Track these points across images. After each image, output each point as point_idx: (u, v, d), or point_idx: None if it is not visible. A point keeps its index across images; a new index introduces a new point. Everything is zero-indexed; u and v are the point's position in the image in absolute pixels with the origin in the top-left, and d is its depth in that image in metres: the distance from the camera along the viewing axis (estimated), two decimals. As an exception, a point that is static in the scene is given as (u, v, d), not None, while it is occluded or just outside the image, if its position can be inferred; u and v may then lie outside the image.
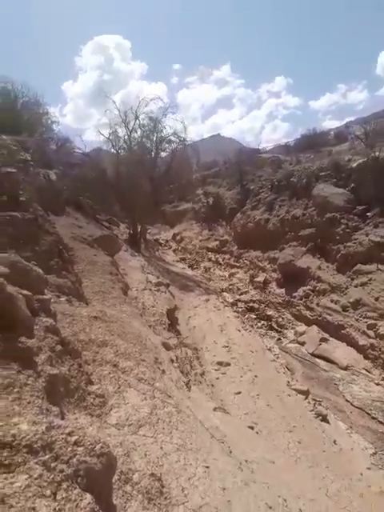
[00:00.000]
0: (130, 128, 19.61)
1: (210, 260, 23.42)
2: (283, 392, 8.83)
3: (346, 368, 10.95)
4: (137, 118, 19.62)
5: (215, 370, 9.24)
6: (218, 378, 8.80)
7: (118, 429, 2.48)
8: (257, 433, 5.78)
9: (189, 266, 22.09)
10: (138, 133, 20.28)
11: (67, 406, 2.18)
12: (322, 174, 16.54)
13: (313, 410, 8.37)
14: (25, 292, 2.21)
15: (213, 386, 8.22)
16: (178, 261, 22.16)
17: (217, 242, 24.45)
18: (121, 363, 3.57)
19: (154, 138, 20.59)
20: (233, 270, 20.39)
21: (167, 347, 6.98)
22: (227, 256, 22.45)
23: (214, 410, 5.46)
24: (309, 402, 8.74)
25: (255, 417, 7.33)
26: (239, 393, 8.26)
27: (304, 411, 8.21)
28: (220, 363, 9.53)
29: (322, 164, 17.16)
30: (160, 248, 24.71)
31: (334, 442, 7.25)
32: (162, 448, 2.47)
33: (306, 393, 9.04)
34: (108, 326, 4.49)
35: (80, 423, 1.83)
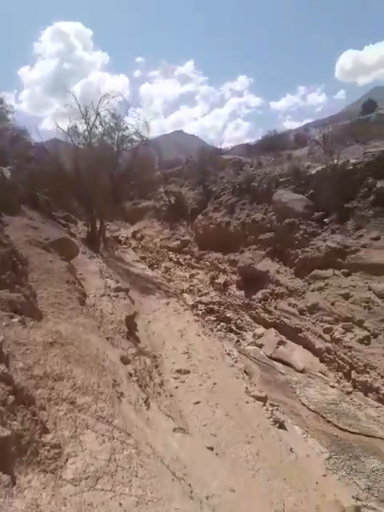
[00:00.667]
0: (91, 124, 18.93)
1: (170, 260, 23.27)
2: (241, 399, 8.88)
3: (302, 371, 11.26)
4: (98, 114, 18.96)
5: (174, 378, 9.13)
6: (177, 387, 8.70)
7: (75, 484, 2.29)
8: (216, 454, 5.70)
9: (149, 266, 21.83)
10: (99, 129, 19.64)
11: (19, 467, 2.08)
12: (282, 179, 16.87)
13: (270, 417, 8.46)
14: None
15: (172, 396, 8.10)
16: (137, 261, 21.80)
17: (178, 242, 24.33)
18: (78, 399, 3.35)
19: (116, 136, 20.05)
20: (193, 271, 20.40)
21: (125, 361, 6.81)
22: (188, 256, 22.42)
23: (174, 431, 5.37)
24: (267, 409, 8.83)
25: (214, 428, 7.31)
26: (198, 402, 8.19)
27: (262, 419, 8.29)
28: (179, 371, 9.43)
29: (282, 169, 17.50)
30: (120, 246, 24.20)
31: (291, 449, 7.37)
32: (120, 504, 2.31)
33: (263, 399, 9.14)
34: (64, 351, 4.23)
35: (31, 499, 1.67)
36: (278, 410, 9.08)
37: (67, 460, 2.48)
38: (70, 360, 4.14)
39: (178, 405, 7.88)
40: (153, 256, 24.18)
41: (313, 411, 9.49)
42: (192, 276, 19.88)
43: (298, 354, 12.07)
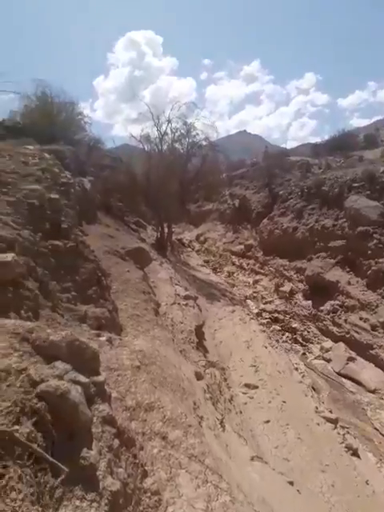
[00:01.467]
0: (162, 131, 19.52)
1: (233, 264, 23.21)
2: (312, 420, 8.70)
3: (374, 391, 10.70)
4: (169, 121, 19.51)
5: (243, 393, 9.16)
6: (246, 403, 8.72)
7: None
8: (298, 490, 5.63)
9: (212, 270, 21.98)
10: (169, 136, 20.18)
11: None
12: (356, 185, 16.00)
13: (342, 442, 8.21)
14: (82, 379, 2.25)
15: (242, 413, 8.15)
16: (202, 265, 22.02)
17: (241, 246, 24.15)
18: (169, 434, 3.53)
19: (186, 143, 20.47)
20: (257, 277, 20.16)
21: (199, 377, 7.06)
22: (252, 261, 22.16)
23: (252, 459, 5.42)
24: (338, 433, 8.57)
25: (286, 452, 7.26)
26: (268, 422, 8.16)
27: (334, 444, 8.07)
28: (248, 385, 9.45)
29: (355, 174, 16.58)
30: (184, 250, 24.63)
31: (367, 482, 7.10)
32: None
33: (334, 421, 8.88)
34: (150, 374, 4.54)
35: None
36: (349, 433, 8.75)
37: (167, 508, 2.58)
38: (155, 384, 4.40)
39: (249, 423, 7.92)
40: (216, 260, 24.28)
41: (387, 437, 8.97)
42: (256, 282, 19.67)
43: (368, 373, 11.45)
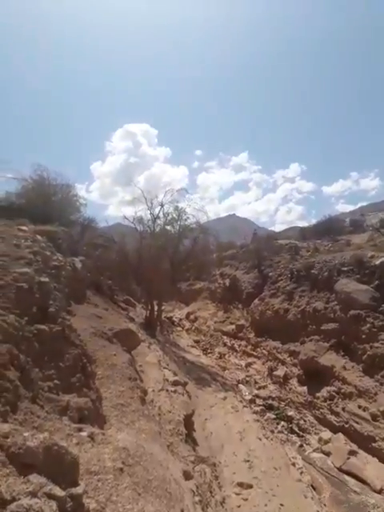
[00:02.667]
0: (155, 214, 20.36)
1: (224, 345, 22.62)
2: (314, 529, 7.76)
3: (380, 491, 9.74)
4: (162, 205, 20.45)
5: (236, 493, 8.29)
6: (239, 506, 7.87)
7: None
8: None
9: (203, 351, 21.37)
10: (162, 219, 21.00)
11: None
12: (344, 268, 16.33)
13: None
14: (58, 492, 2.09)
15: (235, 518, 7.30)
16: (192, 346, 21.44)
17: (232, 326, 23.77)
18: None
19: (177, 226, 21.24)
20: (249, 360, 19.52)
21: (187, 476, 6.45)
22: (243, 342, 21.64)
23: None
24: (344, 544, 7.60)
25: None
26: (265, 530, 7.27)
27: None
28: (241, 485, 8.59)
29: (343, 258, 17.01)
30: (174, 329, 24.16)
31: None
32: None
33: (339, 531, 7.92)
34: (133, 478, 4.09)
35: None
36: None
37: None
38: (139, 490, 3.97)
39: (243, 532, 7.03)
40: (206, 340, 23.72)
41: None
42: (248, 365, 18.99)
43: (373, 469, 10.54)
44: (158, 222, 20.83)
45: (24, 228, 9.79)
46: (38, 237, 9.29)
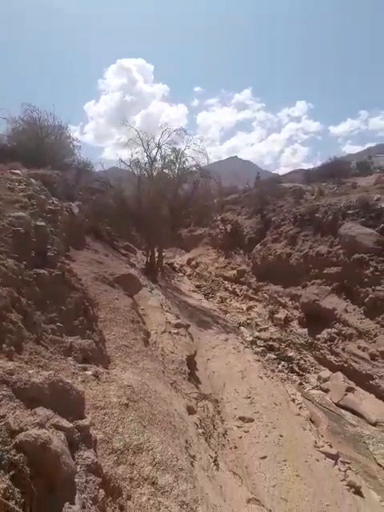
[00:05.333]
0: (152, 157, 19.57)
1: (226, 289, 22.88)
2: (311, 456, 8.12)
3: (375, 424, 10.19)
4: (159, 147, 19.59)
5: (238, 426, 8.61)
6: (240, 438, 8.17)
7: None
8: None
9: (204, 295, 21.62)
10: (159, 162, 20.24)
11: None
12: (350, 212, 15.96)
13: (344, 480, 7.65)
14: (65, 424, 2.15)
15: (236, 448, 7.65)
16: (193, 290, 21.65)
17: (234, 272, 23.88)
18: (159, 479, 3.21)
19: (176, 169, 20.50)
20: (251, 303, 19.78)
21: (191, 411, 6.64)
22: (245, 287, 21.83)
23: (248, 502, 4.91)
24: (339, 469, 8.02)
25: (284, 491, 6.72)
26: (264, 457, 7.61)
27: (335, 482, 7.50)
28: (242, 418, 8.90)
29: (349, 201, 16.57)
30: (175, 275, 24.28)
31: (372, 525, 6.56)
32: None
33: (335, 457, 8.34)
34: (138, 412, 4.17)
35: None
36: (350, 469, 8.22)
37: None
38: (144, 423, 4.05)
39: (244, 459, 7.40)
40: (208, 285, 23.97)
41: (391, 474, 8.42)
42: (249, 308, 19.28)
43: (369, 404, 10.95)
44: (156, 165, 20.16)
45: (17, 171, 9.36)
46: (32, 180, 8.88)
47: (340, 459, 8.36)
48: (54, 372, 2.63)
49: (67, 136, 18.27)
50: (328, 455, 8.31)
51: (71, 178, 15.47)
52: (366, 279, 13.52)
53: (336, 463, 8.17)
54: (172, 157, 20.15)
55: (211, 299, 21.28)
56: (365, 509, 6.97)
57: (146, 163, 20.07)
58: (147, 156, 19.74)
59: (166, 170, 20.54)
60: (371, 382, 11.38)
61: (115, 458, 3.05)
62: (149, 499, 2.86)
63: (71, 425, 2.21)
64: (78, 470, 2.12)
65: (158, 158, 20.13)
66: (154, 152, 19.86)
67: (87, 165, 20.26)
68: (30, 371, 2.44)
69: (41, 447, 1.75)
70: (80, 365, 4.65)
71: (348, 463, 8.43)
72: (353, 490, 7.38)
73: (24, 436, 1.76)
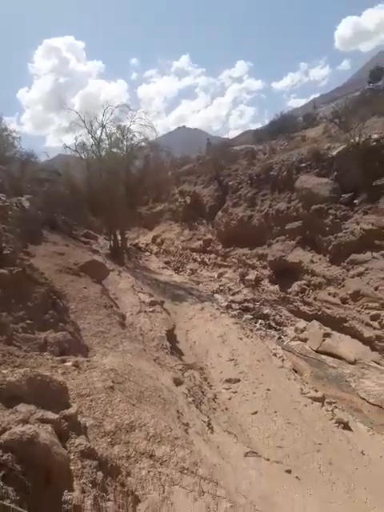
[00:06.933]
0: (98, 137, 18.83)
1: (195, 261, 22.97)
2: (299, 403, 8.54)
3: (354, 362, 10.73)
4: (103, 126, 18.85)
5: (226, 389, 8.87)
6: (230, 399, 8.45)
7: None
8: (297, 477, 5.38)
9: (174, 270, 21.65)
10: (106, 142, 19.53)
11: None
12: (303, 165, 16.20)
13: (332, 418, 8.09)
14: (51, 416, 2.13)
15: (227, 409, 7.91)
16: (163, 267, 21.61)
17: (200, 242, 23.91)
18: (156, 451, 3.27)
19: (124, 146, 19.87)
20: (221, 270, 20.01)
21: (178, 382, 6.72)
22: (213, 255, 21.99)
23: (246, 455, 5.08)
24: (326, 410, 8.46)
25: (279, 439, 7.05)
26: (256, 413, 7.92)
27: (324, 421, 7.94)
28: (229, 381, 9.17)
29: (300, 155, 16.79)
30: (142, 255, 24.06)
31: (362, 452, 7.02)
32: None
33: (321, 399, 8.78)
34: (125, 392, 4.16)
35: None
36: (337, 407, 8.69)
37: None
38: (133, 401, 4.05)
39: (236, 418, 7.68)
40: (176, 259, 23.97)
41: (374, 405, 8.97)
42: (220, 275, 19.52)
43: (346, 345, 11.52)
44: (103, 145, 19.43)
45: None
46: (-27, 178, 8.32)
47: (326, 400, 8.80)
48: (29, 368, 2.58)
49: (3, 128, 17.40)
50: (315, 399, 8.73)
51: (16, 171, 14.71)
52: (327, 228, 13.92)
53: (323, 405, 8.61)
54: (118, 134, 19.51)
55: (182, 273, 21.39)
56: (355, 441, 7.42)
57: (92, 145, 19.36)
58: (92, 137, 19.01)
59: (114, 149, 19.84)
60: (345, 324, 11.90)
61: (109, 439, 3.05)
62: (149, 472, 2.91)
63: (57, 416, 2.20)
64: (72, 457, 2.12)
65: (104, 137, 19.45)
66: (98, 132, 19.16)
67: (31, 156, 19.37)
68: (4, 371, 2.44)
69: (28, 443, 1.74)
70: (58, 358, 4.56)
71: (334, 403, 8.87)
72: (342, 425, 7.82)
73: (8, 435, 1.74)
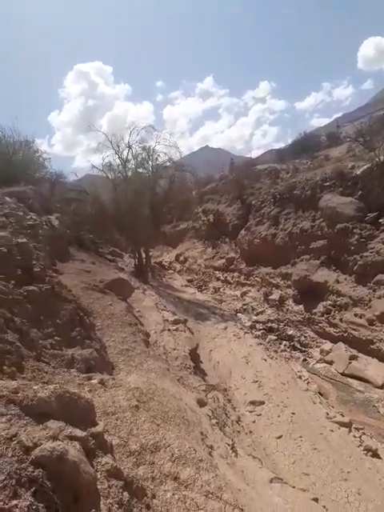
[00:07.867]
0: (124, 158, 19.45)
1: (218, 279, 22.91)
2: (325, 427, 8.28)
3: (382, 386, 10.36)
4: (129, 147, 19.48)
5: (250, 411, 8.72)
6: (254, 422, 8.29)
7: None
8: (324, 506, 5.20)
9: (197, 288, 21.64)
10: (132, 162, 20.13)
11: None
12: (327, 184, 16.13)
13: (360, 445, 7.80)
14: (79, 433, 2.11)
15: (251, 432, 7.77)
16: (186, 285, 21.65)
17: (223, 261, 23.90)
18: (181, 473, 3.22)
19: (149, 166, 20.43)
20: (244, 289, 19.86)
21: (202, 403, 6.64)
22: (236, 274, 21.89)
23: (271, 482, 4.97)
24: (354, 436, 8.16)
25: (304, 465, 6.84)
26: (280, 437, 7.74)
27: (352, 448, 7.66)
28: (253, 403, 9.01)
29: (324, 174, 16.75)
30: (165, 273, 24.24)
31: (392, 483, 6.70)
32: None
33: (348, 425, 8.48)
34: (150, 412, 4.18)
35: None
36: (365, 434, 8.35)
37: None
38: (158, 422, 4.04)
39: (261, 441, 7.53)
40: (199, 278, 23.97)
41: (403, 432, 8.59)
42: (243, 294, 19.35)
43: (373, 368, 11.14)
44: (129, 165, 20.07)
45: (-11, 192, 9.22)
46: (7, 198, 8.72)
47: (353, 426, 8.49)
48: (59, 385, 2.60)
49: (35, 150, 18.22)
50: (341, 424, 8.44)
51: (46, 191, 15.29)
52: (352, 247, 13.69)
53: (350, 431, 8.31)
54: (144, 155, 20.11)
55: (205, 291, 21.29)
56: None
57: (118, 165, 20.05)
58: (119, 158, 19.71)
59: (140, 169, 20.46)
60: (372, 346, 11.55)
61: (134, 459, 3.04)
62: (173, 494, 2.87)
63: (85, 433, 2.19)
64: (99, 476, 2.12)
65: (130, 158, 20.13)
66: (125, 153, 19.84)
67: (60, 176, 20.16)
68: (35, 387, 2.42)
69: (58, 459, 1.74)
70: (84, 375, 4.62)
71: (361, 429, 8.54)
72: (370, 453, 7.52)
73: (39, 451, 1.74)
